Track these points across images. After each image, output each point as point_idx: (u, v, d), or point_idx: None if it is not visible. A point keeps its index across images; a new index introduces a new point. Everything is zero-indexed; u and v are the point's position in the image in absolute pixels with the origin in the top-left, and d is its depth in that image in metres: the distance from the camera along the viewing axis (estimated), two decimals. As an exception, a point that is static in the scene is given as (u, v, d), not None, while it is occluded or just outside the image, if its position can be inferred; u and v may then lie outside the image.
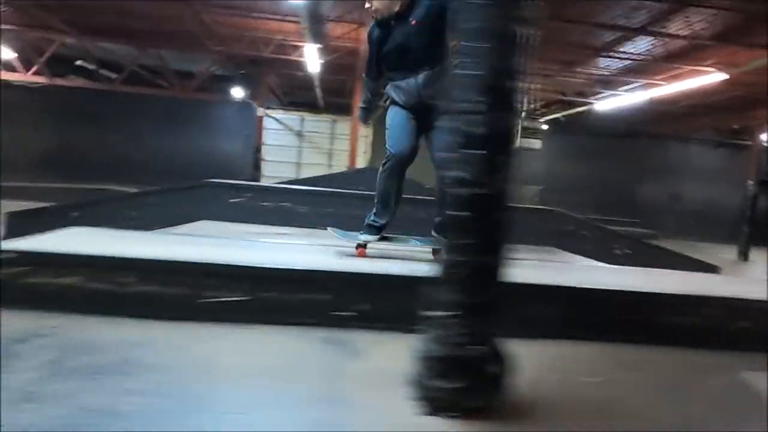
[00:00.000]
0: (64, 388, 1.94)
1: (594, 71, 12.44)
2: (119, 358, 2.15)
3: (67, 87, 14.63)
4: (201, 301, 2.41)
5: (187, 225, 6.33)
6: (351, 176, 9.01)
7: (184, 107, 17.26)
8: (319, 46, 10.35)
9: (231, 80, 16.11)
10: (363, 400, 2.02)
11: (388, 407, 2.00)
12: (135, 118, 17.41)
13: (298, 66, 13.10)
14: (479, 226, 1.97)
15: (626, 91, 13.52)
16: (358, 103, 3.71)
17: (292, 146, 18.27)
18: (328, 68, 12.60)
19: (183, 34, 11.93)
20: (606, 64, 11.96)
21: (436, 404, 1.97)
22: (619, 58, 11.23)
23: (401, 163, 3.09)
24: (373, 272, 2.58)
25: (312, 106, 18.17)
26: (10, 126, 17.29)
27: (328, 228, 3.40)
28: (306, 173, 17.87)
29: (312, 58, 11.18)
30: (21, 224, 6.40)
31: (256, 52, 12.29)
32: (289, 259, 2.79)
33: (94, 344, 2.22)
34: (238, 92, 16.61)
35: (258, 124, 16.67)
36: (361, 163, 18.76)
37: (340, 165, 18.78)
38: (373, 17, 3.26)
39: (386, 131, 3.18)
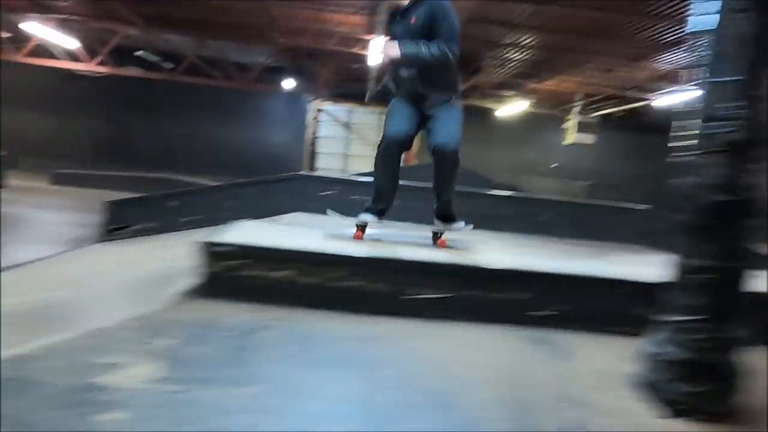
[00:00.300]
0: (318, 378, 2.01)
1: (659, 66, 12.20)
2: (350, 351, 2.22)
3: (125, 77, 14.90)
4: (404, 297, 2.46)
5: (284, 216, 6.44)
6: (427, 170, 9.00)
7: (237, 98, 17.44)
8: (387, 39, 10.38)
9: (283, 72, 16.21)
10: (598, 401, 2.05)
11: (625, 409, 2.02)
12: (190, 108, 17.66)
13: (356, 58, 13.12)
14: (726, 232, 1.98)
15: (692, 86, 13.22)
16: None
17: (340, 138, 18.37)
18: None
19: (247, 26, 12.05)
20: (673, 59, 11.71)
21: (677, 408, 1.99)
22: (689, 52, 11.00)
23: (395, 145, 3.17)
24: (572, 273, 2.61)
25: (360, 98, 18.19)
26: (71, 115, 17.73)
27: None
28: (354, 165, 17.96)
29: (376, 51, 11.20)
30: (120, 212, 6.61)
31: (319, 45, 12.34)
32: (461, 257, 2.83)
33: (320, 337, 2.29)
34: (289, 84, 16.73)
35: (314, 116, 16.81)
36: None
37: (388, 157, 18.87)
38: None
39: (384, 119, 3.29)
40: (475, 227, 3.62)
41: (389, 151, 3.19)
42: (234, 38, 13.15)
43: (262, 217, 6.46)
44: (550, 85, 15.50)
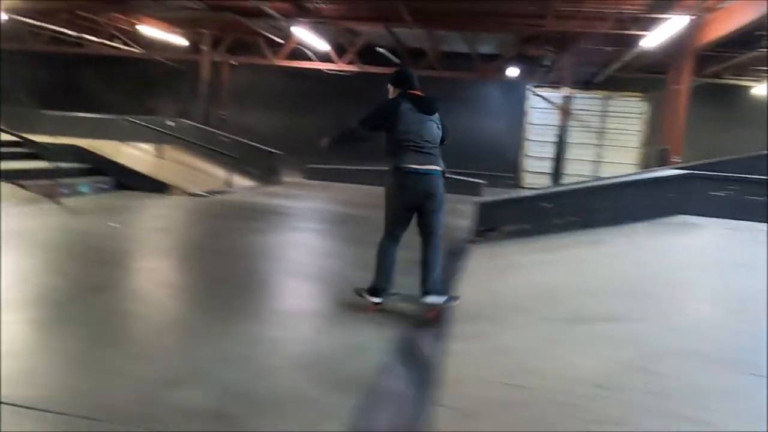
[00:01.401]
0: None
1: None
2: None
3: (359, 74, 15.39)
4: None
5: (666, 220, 5.99)
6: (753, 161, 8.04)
7: (458, 87, 17.37)
8: (692, 17, 9.49)
9: (509, 60, 15.77)
10: None
11: None
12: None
13: (616, 41, 12.29)
14: None
15: None
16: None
17: (555, 125, 17.44)
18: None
19: (505, 15, 11.78)
20: None
21: None
22: None
23: None
24: None
25: (585, 83, 17.19)
26: (298, 112, 18.91)
27: None
28: (573, 153, 17.12)
29: (662, 32, 10.28)
30: (492, 213, 6.62)
31: (591, 29, 11.65)
32: None
33: None
34: (513, 72, 16.28)
35: (562, 108, 16.26)
36: (634, 143, 17.51)
37: (612, 142, 17.70)
38: None
39: None
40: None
41: None
42: (489, 29, 12.92)
43: (642, 220, 6.09)
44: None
